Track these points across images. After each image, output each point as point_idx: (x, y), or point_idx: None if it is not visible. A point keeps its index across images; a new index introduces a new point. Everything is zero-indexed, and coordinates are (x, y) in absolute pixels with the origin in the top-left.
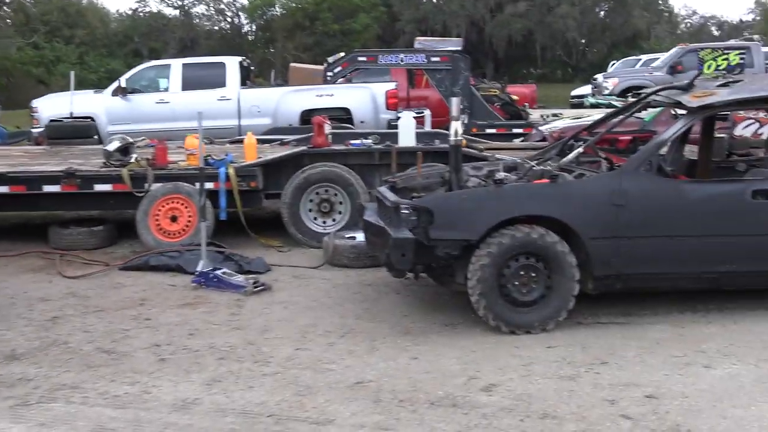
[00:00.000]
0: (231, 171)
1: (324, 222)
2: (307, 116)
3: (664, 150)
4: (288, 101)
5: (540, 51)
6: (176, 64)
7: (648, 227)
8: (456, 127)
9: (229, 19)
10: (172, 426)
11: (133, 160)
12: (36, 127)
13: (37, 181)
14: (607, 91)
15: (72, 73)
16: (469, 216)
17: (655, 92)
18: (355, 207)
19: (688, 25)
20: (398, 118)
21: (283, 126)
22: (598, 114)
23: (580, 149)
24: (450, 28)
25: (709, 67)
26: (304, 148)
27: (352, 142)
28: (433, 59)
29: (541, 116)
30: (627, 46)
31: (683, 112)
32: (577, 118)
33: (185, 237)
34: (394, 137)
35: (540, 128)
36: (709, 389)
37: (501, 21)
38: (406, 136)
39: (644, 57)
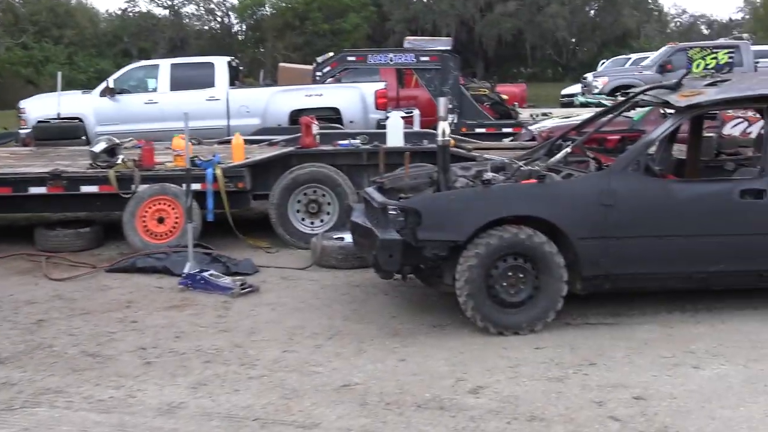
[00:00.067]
0: (218, 172)
1: (312, 223)
2: (296, 116)
3: (652, 149)
4: (277, 101)
5: (530, 50)
6: (164, 65)
7: (636, 227)
8: (443, 127)
9: (219, 19)
10: (157, 430)
11: (119, 162)
12: (23, 128)
13: (22, 182)
14: (596, 90)
15: (59, 74)
16: (457, 217)
17: (643, 91)
18: (343, 208)
19: (678, 24)
20: (387, 118)
21: (272, 126)
22: (587, 113)
23: (568, 149)
24: (440, 27)
25: (698, 66)
26: (291, 148)
27: (340, 142)
28: (423, 59)
29: (531, 115)
30: (617, 45)
31: (672, 111)
32: (567, 118)
33: (172, 238)
34: (382, 137)
35: (529, 128)
36: (698, 390)
37: (491, 20)
38: (394, 136)
39: (634, 56)
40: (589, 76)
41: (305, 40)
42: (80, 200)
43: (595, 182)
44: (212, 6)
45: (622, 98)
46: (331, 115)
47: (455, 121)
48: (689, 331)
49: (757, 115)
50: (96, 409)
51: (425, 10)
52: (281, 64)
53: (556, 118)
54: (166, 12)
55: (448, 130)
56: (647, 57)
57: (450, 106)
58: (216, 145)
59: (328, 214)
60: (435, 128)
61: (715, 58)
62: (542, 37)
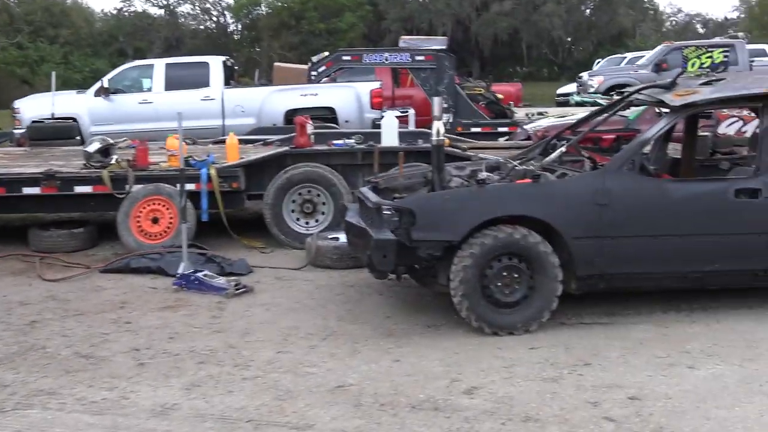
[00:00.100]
0: (213, 172)
1: (307, 223)
2: (291, 116)
3: (647, 149)
4: (272, 101)
5: (526, 49)
6: (159, 64)
7: (631, 227)
8: (438, 126)
9: (214, 19)
10: None
11: (113, 162)
12: (18, 128)
13: (16, 183)
14: (592, 90)
15: (53, 74)
16: (452, 217)
17: (637, 91)
18: (338, 208)
19: (674, 22)
20: (382, 117)
21: (268, 126)
22: (582, 112)
23: (563, 148)
24: (436, 26)
25: (693, 65)
26: (286, 148)
27: (335, 142)
28: (418, 58)
29: (526, 115)
30: (613, 44)
31: (667, 110)
32: (562, 117)
33: (167, 239)
34: (377, 137)
35: (525, 127)
36: (693, 390)
37: (487, 19)
38: (389, 135)
39: (629, 55)
40: (585, 75)
41: (301, 40)
42: (74, 200)
43: (590, 182)
44: (208, 5)
45: (618, 97)
46: (326, 115)
47: (451, 120)
48: (684, 330)
49: (752, 114)
50: (89, 411)
51: (421, 9)
52: (276, 64)
53: (552, 118)
54: (162, 11)
55: (442, 130)
56: (643, 56)
57: (445, 105)
58: (211, 145)
59: (323, 214)
60: (430, 128)
61: (710, 57)
62: (538, 36)
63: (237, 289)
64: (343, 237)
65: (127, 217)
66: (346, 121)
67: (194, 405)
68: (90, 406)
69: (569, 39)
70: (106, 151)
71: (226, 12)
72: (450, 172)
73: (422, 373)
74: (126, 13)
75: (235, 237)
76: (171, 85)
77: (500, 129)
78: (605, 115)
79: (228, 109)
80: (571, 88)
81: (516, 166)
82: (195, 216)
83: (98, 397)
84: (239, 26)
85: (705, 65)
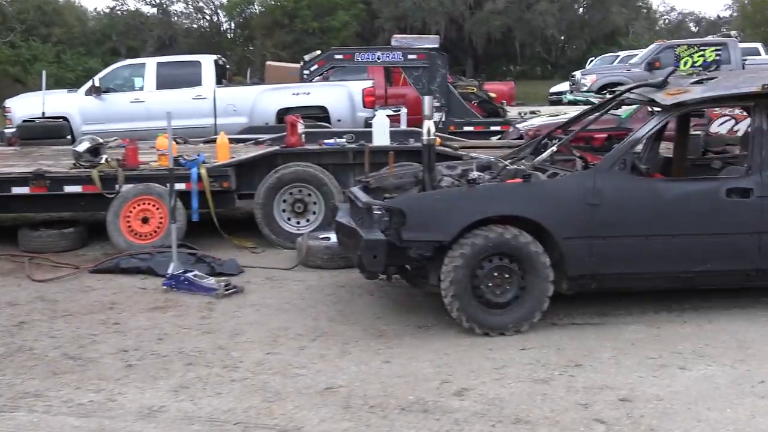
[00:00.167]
0: (203, 171)
1: (298, 222)
2: (283, 115)
3: (639, 148)
4: (264, 100)
5: (519, 48)
6: (151, 63)
7: (623, 226)
8: (429, 126)
9: (207, 17)
10: None
11: (103, 161)
12: (9, 127)
13: (5, 182)
14: (585, 88)
15: (44, 72)
16: (442, 216)
17: (629, 90)
18: (329, 207)
19: (666, 21)
20: (375, 116)
21: (259, 125)
22: (575, 111)
23: (554, 148)
24: (429, 25)
25: (685, 63)
26: (276, 147)
27: (326, 141)
28: (410, 57)
29: (519, 114)
30: (606, 42)
31: (658, 109)
32: (555, 116)
33: (157, 239)
34: (369, 136)
35: (517, 126)
36: (684, 391)
37: (480, 18)
38: (380, 135)
39: (622, 54)
40: (578, 73)
41: (294, 38)
42: (64, 200)
43: (581, 181)
44: (201, 4)
45: (609, 96)
46: (318, 114)
47: (443, 119)
48: (676, 331)
49: (744, 113)
50: (75, 414)
51: (414, 8)
52: (268, 63)
53: (544, 116)
54: (155, 10)
55: (433, 129)
56: (635, 54)
57: (438, 104)
58: (201, 145)
59: (314, 213)
60: (422, 127)
61: (702, 55)
62: (531, 34)
63: (227, 290)
64: (334, 237)
65: (117, 217)
66: (339, 120)
67: (182, 407)
68: (76, 409)
69: (562, 37)
70: (95, 150)
71: (219, 11)
72: (441, 172)
73: (412, 374)
74: (119, 12)
75: (226, 237)
76: (163, 84)
77: (493, 128)
78: (596, 114)
79: (220, 108)
80: (564, 86)
81: (507, 165)
82: (185, 216)
83: (85, 399)
84: (232, 25)
85: (697, 64)
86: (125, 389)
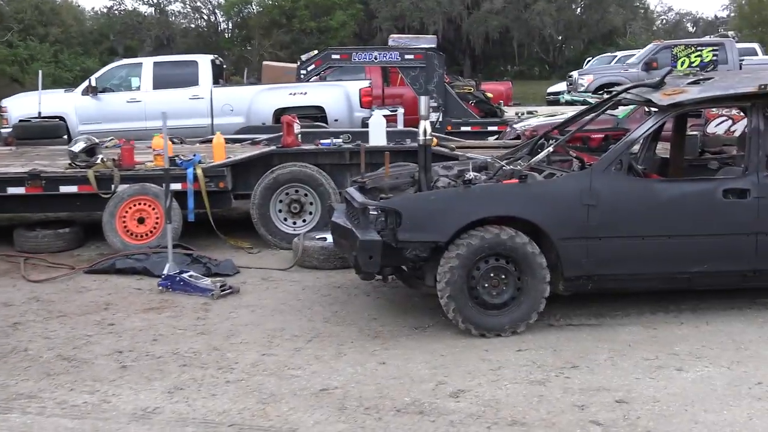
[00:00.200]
0: (199, 171)
1: (294, 223)
2: (280, 115)
3: (635, 148)
4: (261, 100)
5: (517, 48)
6: (147, 63)
7: (619, 227)
8: (425, 126)
9: (205, 17)
10: None
11: (99, 161)
12: (5, 127)
13: (1, 182)
14: (582, 88)
15: (40, 72)
16: (438, 217)
17: (625, 90)
18: (325, 208)
19: (664, 21)
20: (371, 116)
21: (256, 125)
22: (572, 111)
23: (551, 148)
24: (427, 25)
25: (682, 63)
26: (273, 147)
27: (322, 141)
28: (407, 57)
29: (516, 114)
30: (603, 42)
31: (655, 109)
32: (552, 116)
33: (153, 239)
34: (365, 136)
35: (514, 126)
36: (681, 393)
37: (478, 18)
38: (377, 135)
39: (619, 54)
40: (575, 73)
41: (292, 38)
42: (60, 200)
43: (578, 182)
44: (198, 4)
45: (606, 96)
46: (315, 114)
47: (440, 119)
48: (673, 332)
49: (741, 114)
50: (69, 415)
51: (412, 7)
52: (265, 63)
53: (541, 117)
54: (152, 10)
55: (429, 129)
56: (633, 55)
57: (435, 104)
58: (198, 145)
59: (311, 214)
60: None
61: (699, 55)
62: (529, 34)
63: (222, 291)
64: (330, 237)
65: (113, 217)
66: (336, 120)
67: (176, 409)
68: (70, 410)
69: (560, 37)
70: (91, 150)
71: (216, 10)
72: (437, 172)
73: (408, 375)
74: (116, 12)
75: (222, 237)
76: (159, 83)
77: (490, 128)
78: (593, 114)
79: (217, 108)
80: (562, 86)
81: (503, 166)
82: (181, 216)
83: (79, 401)
84: (230, 25)
85: (694, 64)
86: (120, 390)
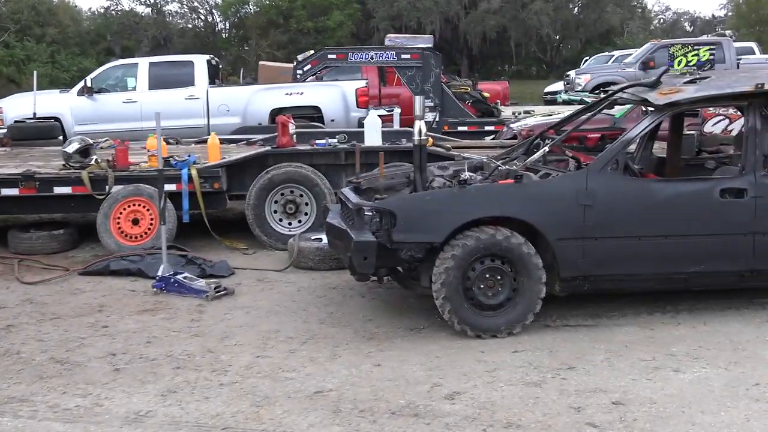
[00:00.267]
0: (193, 172)
1: (290, 223)
2: (276, 115)
3: (632, 148)
4: (257, 100)
5: (514, 47)
6: (143, 63)
7: (616, 227)
8: (420, 126)
9: (202, 17)
10: None
11: (93, 162)
12: (0, 128)
13: None
14: (579, 88)
15: (35, 73)
16: (433, 218)
17: (622, 89)
18: (320, 208)
19: (661, 20)
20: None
21: (252, 125)
22: (569, 111)
23: (546, 148)
24: (424, 25)
25: (679, 62)
26: (268, 148)
27: (318, 141)
28: (404, 56)
29: (513, 113)
30: (601, 42)
31: (652, 109)
32: (549, 115)
33: (147, 240)
34: (361, 136)
35: (511, 126)
36: (678, 394)
37: (475, 17)
38: (372, 135)
39: (617, 53)
40: (572, 73)
41: (289, 38)
42: (54, 202)
43: (573, 182)
44: (195, 4)
45: (603, 96)
46: (312, 114)
47: (437, 119)
48: (670, 332)
49: (738, 113)
50: (61, 419)
51: (409, 7)
52: (261, 63)
53: (538, 116)
54: (149, 10)
55: (424, 129)
56: (630, 54)
57: (431, 104)
58: (194, 145)
59: (306, 214)
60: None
61: (696, 55)
62: (526, 34)
63: (217, 292)
64: (325, 238)
65: (107, 218)
66: (332, 120)
67: (169, 412)
68: (62, 414)
69: (557, 37)
70: (85, 151)
71: (214, 11)
72: (433, 172)
73: (403, 377)
74: (113, 12)
75: (217, 238)
76: (155, 84)
77: (487, 128)
78: (589, 114)
79: (213, 109)
80: (559, 86)
81: (499, 166)
82: (176, 217)
83: (71, 404)
84: (227, 25)
85: (691, 63)
86: (112, 394)
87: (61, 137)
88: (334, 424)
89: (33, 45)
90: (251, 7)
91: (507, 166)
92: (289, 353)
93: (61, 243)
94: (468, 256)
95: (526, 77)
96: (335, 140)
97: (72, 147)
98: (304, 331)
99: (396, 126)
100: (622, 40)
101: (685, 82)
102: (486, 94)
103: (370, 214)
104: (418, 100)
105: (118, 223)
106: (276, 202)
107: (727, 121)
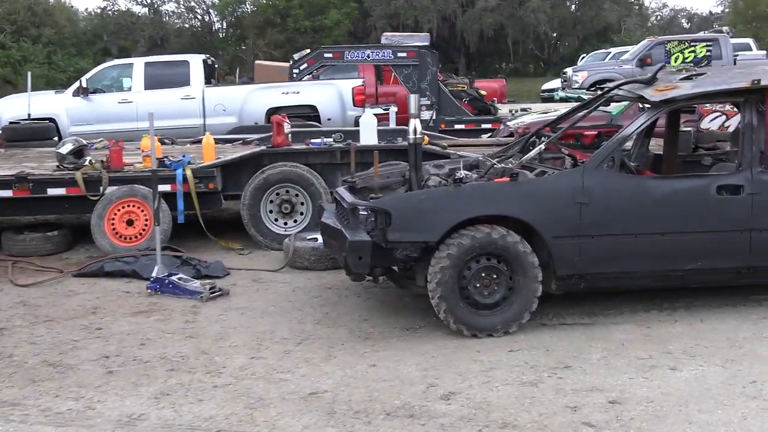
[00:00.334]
0: (188, 172)
1: (285, 223)
2: (273, 114)
3: (629, 145)
4: (254, 99)
5: (512, 45)
6: (139, 63)
7: (612, 225)
8: (415, 124)
9: (199, 17)
10: None
11: (87, 163)
12: None
13: None
14: (576, 85)
15: (29, 74)
16: (428, 217)
17: (618, 86)
18: (316, 208)
19: (659, 17)
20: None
21: (249, 125)
22: (565, 108)
23: (542, 146)
24: (422, 23)
25: (676, 59)
26: (263, 147)
27: (313, 141)
28: (400, 55)
29: (510, 111)
30: (598, 39)
31: (648, 105)
32: (545, 113)
33: (142, 241)
34: (357, 135)
35: (507, 123)
36: (675, 393)
37: (472, 16)
38: (368, 134)
39: (614, 50)
40: (569, 70)
41: (286, 37)
42: (49, 203)
43: (569, 180)
44: (192, 4)
45: (599, 93)
46: (308, 113)
47: (434, 117)
48: (667, 330)
49: (735, 109)
50: (53, 423)
51: (407, 6)
52: (257, 62)
53: (535, 114)
54: (146, 10)
55: (419, 128)
56: (627, 51)
57: (428, 102)
58: (189, 145)
59: (302, 214)
60: None
61: (693, 51)
62: (524, 32)
63: (212, 293)
64: (321, 238)
65: (101, 219)
66: (329, 119)
67: (162, 415)
68: (54, 418)
69: (555, 34)
70: (79, 152)
71: (210, 10)
72: (428, 171)
73: (399, 378)
74: (110, 12)
75: (212, 238)
76: (151, 84)
77: (484, 126)
78: (585, 111)
79: (209, 108)
80: (556, 83)
81: (495, 164)
82: (171, 218)
83: (63, 408)
84: (224, 24)
85: (688, 60)
86: (105, 397)
87: (56, 138)
88: (329, 425)
89: (29, 46)
90: (248, 6)
91: (503, 164)
92: (284, 354)
93: (56, 244)
94: (464, 255)
95: (524, 75)
96: (331, 139)
97: (66, 148)
98: (299, 331)
99: (392, 125)
100: (620, 37)
101: (681, 79)
102: (483, 92)
103: (365, 213)
104: (413, 99)
105: (113, 224)
106: (271, 201)
107: (723, 117)
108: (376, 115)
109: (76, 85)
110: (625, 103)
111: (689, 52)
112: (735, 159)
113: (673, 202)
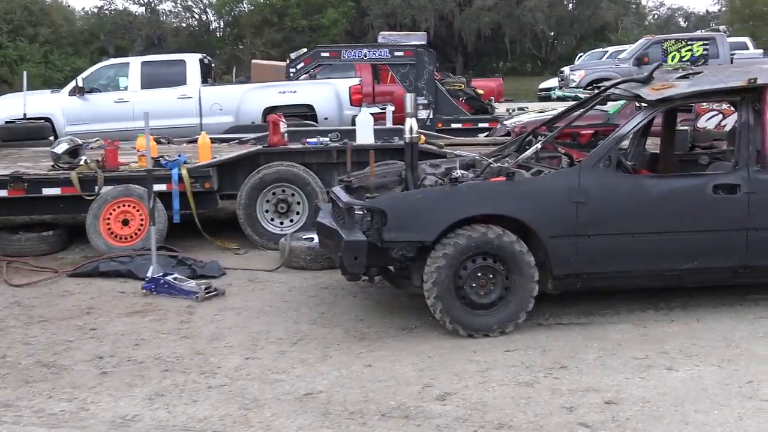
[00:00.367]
0: (184, 172)
1: (281, 223)
2: (270, 113)
3: (624, 144)
4: (250, 99)
5: (509, 44)
6: (135, 63)
7: (608, 224)
8: (411, 123)
9: (196, 16)
10: None
11: (82, 163)
12: None
13: None
14: (573, 84)
15: (24, 73)
16: (424, 216)
17: (614, 85)
18: (312, 207)
19: (656, 16)
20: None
21: (245, 124)
22: (562, 107)
23: (539, 145)
24: (419, 22)
25: (673, 58)
26: (259, 147)
27: (309, 140)
28: (397, 54)
29: (507, 110)
30: (595, 38)
31: (645, 104)
32: (542, 112)
33: (137, 241)
34: (353, 134)
35: (504, 122)
36: (671, 393)
37: (470, 15)
38: (364, 133)
39: (611, 49)
40: (566, 69)
41: (284, 37)
42: (44, 203)
43: (566, 179)
44: (189, 3)
45: (596, 92)
46: (305, 112)
47: (431, 116)
48: (663, 330)
49: (732, 108)
50: (46, 424)
51: (404, 5)
52: (254, 61)
53: (532, 113)
54: (143, 9)
55: (415, 127)
56: (624, 50)
57: (425, 101)
58: (185, 145)
59: (298, 213)
60: None
61: (690, 50)
62: (521, 31)
63: (207, 293)
64: (317, 237)
65: (97, 219)
66: (326, 119)
67: (156, 416)
68: (47, 419)
69: (552, 33)
70: (74, 151)
71: (208, 9)
72: (424, 170)
73: (394, 378)
74: (107, 11)
75: (208, 238)
76: (147, 83)
77: (481, 125)
78: (581, 110)
79: (205, 108)
80: (553, 82)
81: (491, 163)
82: (166, 217)
83: (57, 409)
84: (221, 23)
85: (685, 58)
86: (99, 398)
87: (51, 138)
88: (324, 426)
89: (26, 45)
90: (245, 5)
91: (499, 164)
92: (279, 354)
93: (51, 244)
94: (459, 254)
95: (521, 74)
96: (327, 139)
97: (61, 147)
98: (294, 331)
99: (389, 124)
100: (617, 36)
101: (677, 78)
102: (480, 91)
103: (361, 213)
104: (409, 98)
105: (108, 224)
106: (267, 201)
107: (720, 116)
108: (373, 114)
109: (72, 84)
110: (622, 102)
111: (686, 51)
112: (732, 158)
113: (670, 202)
